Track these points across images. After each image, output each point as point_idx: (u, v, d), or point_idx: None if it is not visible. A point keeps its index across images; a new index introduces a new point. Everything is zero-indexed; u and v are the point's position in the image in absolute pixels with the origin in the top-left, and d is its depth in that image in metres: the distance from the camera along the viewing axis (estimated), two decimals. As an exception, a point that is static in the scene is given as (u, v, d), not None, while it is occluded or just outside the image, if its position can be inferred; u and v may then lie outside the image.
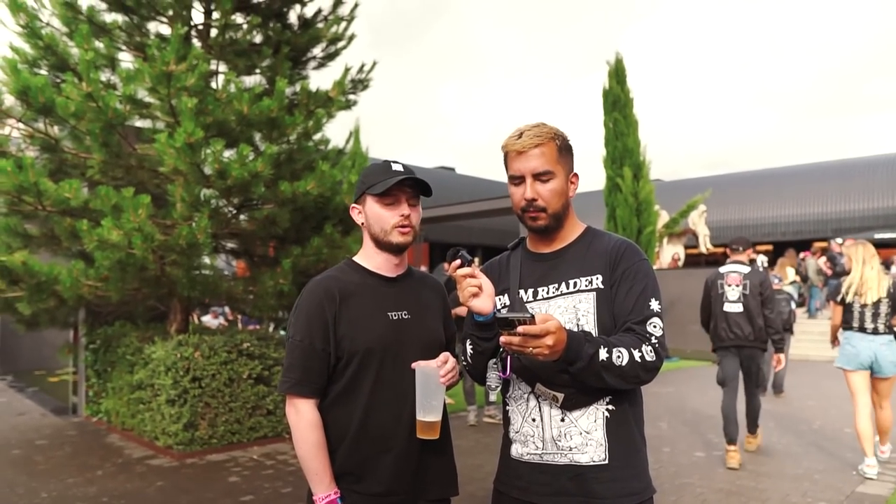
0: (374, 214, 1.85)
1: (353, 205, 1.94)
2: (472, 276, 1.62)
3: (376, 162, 1.94)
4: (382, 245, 1.87)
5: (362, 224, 1.92)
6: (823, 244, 21.07)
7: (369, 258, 1.92)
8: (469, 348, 1.74)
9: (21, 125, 6.05)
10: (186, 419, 5.83)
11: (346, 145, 7.84)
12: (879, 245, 17.47)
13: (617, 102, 14.32)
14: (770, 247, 25.35)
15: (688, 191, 22.23)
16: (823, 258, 15.92)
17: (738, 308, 5.63)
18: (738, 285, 5.68)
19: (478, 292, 1.62)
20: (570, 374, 1.58)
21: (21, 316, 6.23)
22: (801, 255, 17.99)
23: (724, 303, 5.71)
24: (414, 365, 1.76)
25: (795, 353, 13.85)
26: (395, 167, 1.86)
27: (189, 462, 5.76)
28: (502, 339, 1.48)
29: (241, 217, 6.51)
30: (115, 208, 5.32)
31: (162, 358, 5.92)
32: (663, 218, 16.86)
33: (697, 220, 18.57)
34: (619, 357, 1.56)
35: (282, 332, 7.67)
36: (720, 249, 24.41)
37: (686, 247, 18.47)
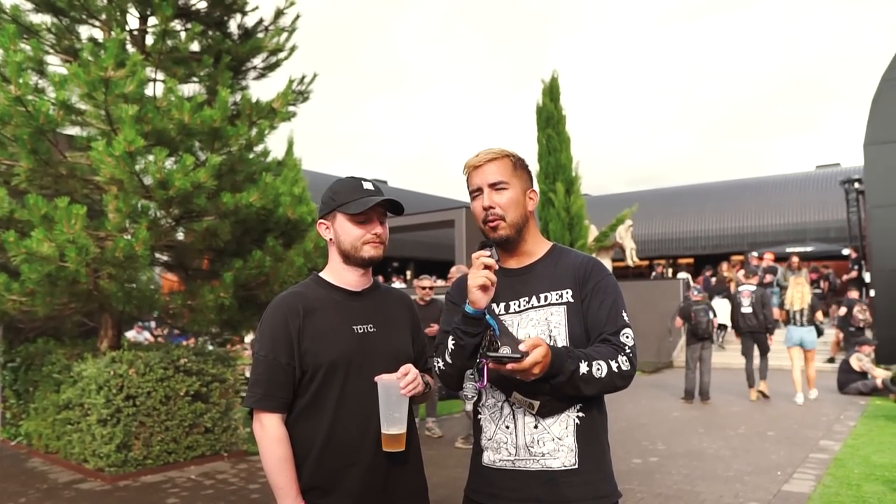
0: (345, 231, 1.87)
1: (321, 220, 1.94)
2: (490, 269, 1.66)
3: (343, 178, 1.95)
4: (352, 260, 1.89)
5: (330, 240, 1.92)
6: (740, 257, 22.22)
7: (335, 273, 1.93)
8: (451, 343, 1.76)
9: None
10: (119, 439, 5.57)
11: (285, 157, 7.74)
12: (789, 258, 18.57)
13: (550, 119, 14.72)
14: (691, 260, 26.54)
15: (614, 206, 23.01)
16: (742, 271, 16.80)
17: (749, 310, 9.83)
18: (748, 297, 9.89)
19: (487, 285, 1.66)
20: (550, 385, 1.65)
21: (-66, 333, 5.82)
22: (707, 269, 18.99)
23: (741, 307, 9.92)
24: (376, 378, 1.77)
25: (718, 362, 14.53)
26: (366, 185, 1.88)
27: (122, 484, 5.50)
28: (491, 365, 1.56)
29: (179, 229, 6.32)
30: (45, 219, 5.06)
31: (93, 376, 5.64)
32: (593, 232, 17.38)
33: (624, 234, 19.21)
34: (598, 369, 1.65)
35: (210, 347, 7.44)
36: (645, 262, 25.36)
37: (613, 259, 19.07)
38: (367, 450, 1.80)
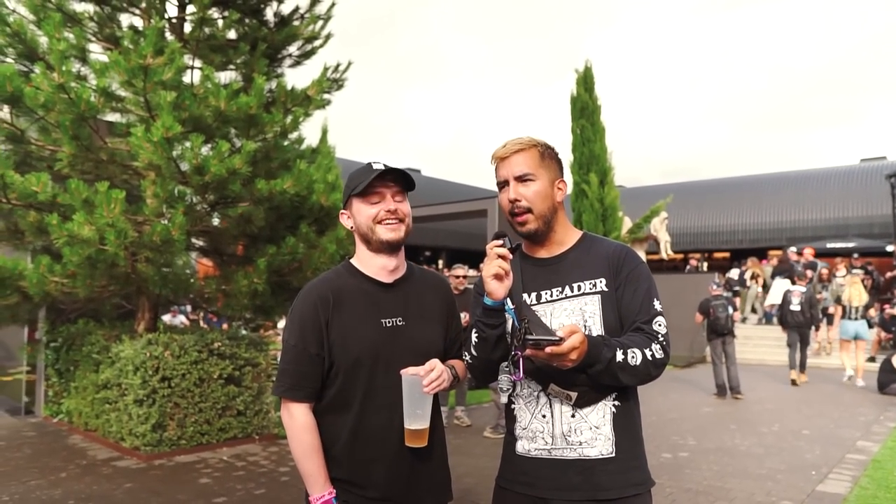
0: (359, 213, 1.84)
1: (343, 211, 1.93)
2: (505, 258, 1.65)
3: (359, 166, 1.91)
4: (373, 245, 1.85)
5: (352, 229, 1.90)
6: (779, 252, 21.73)
7: (365, 263, 1.90)
8: (474, 336, 1.75)
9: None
10: (155, 420, 5.71)
11: (319, 144, 7.80)
12: (831, 254, 18.13)
13: (584, 109, 14.53)
14: (728, 254, 26.04)
15: (649, 197, 22.67)
16: (766, 265, 16.58)
17: (798, 308, 11.00)
18: (798, 297, 11.07)
19: (502, 274, 1.64)
20: (587, 375, 1.64)
21: (-20, 312, 6.02)
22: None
23: (790, 305, 11.08)
24: (402, 372, 1.75)
25: (752, 358, 14.30)
26: (377, 166, 1.83)
27: (157, 463, 5.65)
28: (528, 351, 1.54)
29: (213, 215, 6.42)
30: (86, 203, 5.18)
31: (131, 357, 5.79)
32: (626, 224, 17.16)
33: (659, 227, 18.93)
34: (633, 357, 1.65)
35: (243, 332, 7.55)
36: (680, 256, 24.98)
37: (647, 252, 18.80)
38: (393, 443, 1.79)
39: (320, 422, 1.82)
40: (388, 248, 1.85)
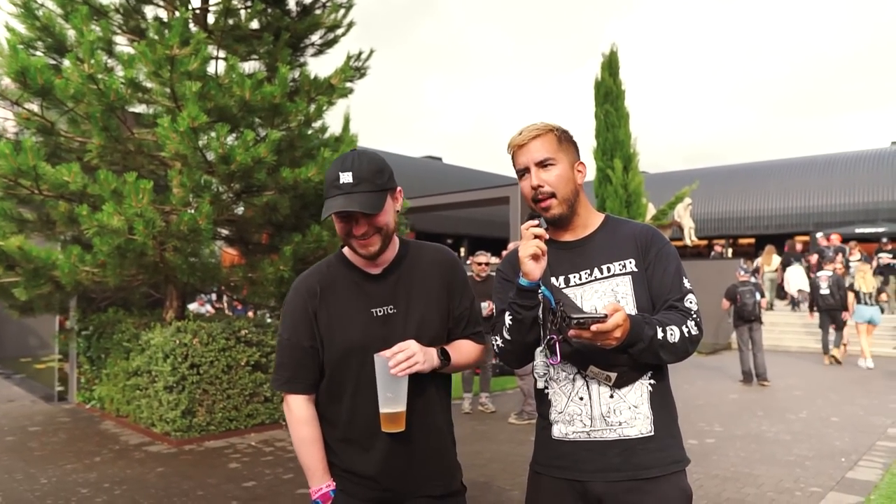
0: (335, 223, 1.75)
1: None
2: (541, 238, 1.64)
3: (336, 160, 1.75)
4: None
5: None
6: (805, 238, 21.39)
7: (353, 254, 1.82)
8: (508, 319, 1.73)
9: (15, 107, 5.96)
10: (184, 406, 5.82)
11: (342, 133, 7.82)
12: (860, 239, 17.81)
13: (609, 94, 14.36)
14: (752, 240, 25.68)
15: (673, 183, 22.39)
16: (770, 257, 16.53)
17: (827, 292, 11.68)
18: (826, 281, 11.74)
19: (539, 254, 1.63)
20: (628, 355, 1.64)
21: (15, 301, 6.16)
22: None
23: (819, 289, 11.80)
24: (375, 355, 1.69)
25: (779, 345, 14.14)
26: (343, 178, 1.66)
27: (187, 448, 5.76)
28: (572, 332, 1.52)
29: (239, 203, 6.49)
30: (115, 193, 5.27)
31: (160, 344, 5.89)
32: (650, 210, 17.00)
33: (683, 213, 18.73)
34: (672, 334, 1.65)
35: (269, 321, 7.64)
36: (704, 242, 24.70)
37: (671, 239, 18.62)
38: (385, 435, 1.75)
39: (318, 410, 1.82)
40: (367, 258, 1.77)
